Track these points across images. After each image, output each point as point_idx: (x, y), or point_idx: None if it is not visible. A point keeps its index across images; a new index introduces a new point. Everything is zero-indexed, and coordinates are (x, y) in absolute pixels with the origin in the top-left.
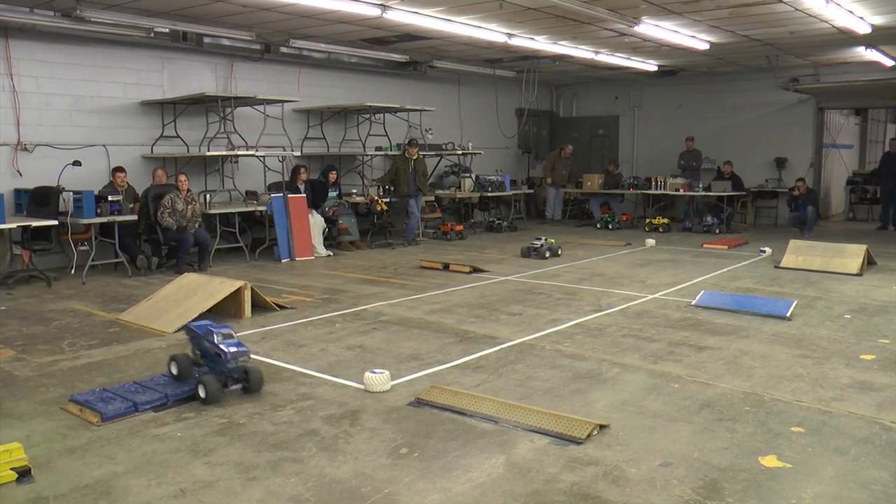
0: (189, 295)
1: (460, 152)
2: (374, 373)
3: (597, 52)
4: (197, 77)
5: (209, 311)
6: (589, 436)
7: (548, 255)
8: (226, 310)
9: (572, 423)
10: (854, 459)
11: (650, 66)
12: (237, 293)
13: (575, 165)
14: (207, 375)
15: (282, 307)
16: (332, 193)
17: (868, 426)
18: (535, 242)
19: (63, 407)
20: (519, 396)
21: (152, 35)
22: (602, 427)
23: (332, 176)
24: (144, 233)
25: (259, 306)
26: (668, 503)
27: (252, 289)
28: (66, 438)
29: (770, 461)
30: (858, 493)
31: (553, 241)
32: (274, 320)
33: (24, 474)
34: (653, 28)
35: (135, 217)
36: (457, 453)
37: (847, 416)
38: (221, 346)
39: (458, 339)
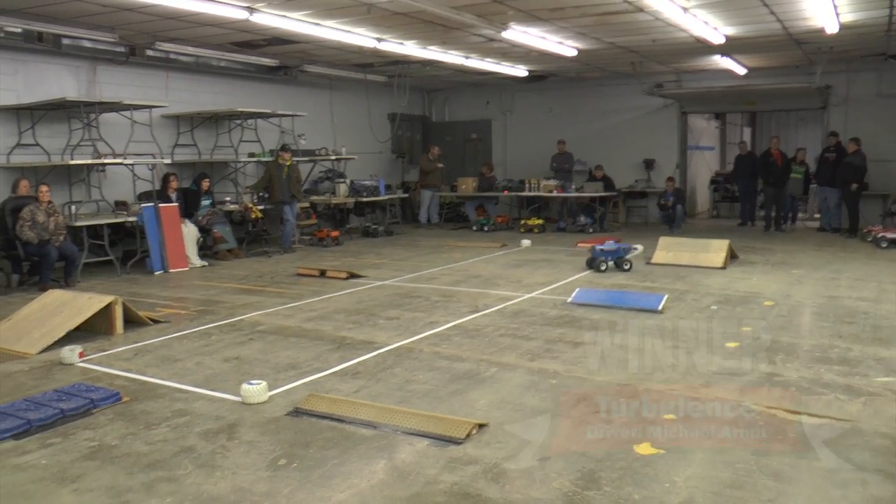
0: (54, 313)
1: (334, 157)
2: (251, 384)
3: (467, 57)
4: (56, 81)
5: (78, 328)
6: (468, 435)
7: None
8: (96, 327)
9: (451, 424)
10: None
11: (520, 71)
12: (107, 309)
13: (445, 166)
14: None
15: (155, 321)
16: (206, 202)
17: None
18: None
19: None
20: (398, 400)
21: (2, 34)
22: (481, 426)
23: (205, 184)
24: (2, 248)
25: (132, 321)
26: (547, 496)
27: (123, 304)
28: None
29: (645, 448)
30: (724, 473)
31: None
32: (147, 335)
33: None
34: (521, 34)
35: None
36: (336, 461)
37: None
38: None
39: (336, 346)
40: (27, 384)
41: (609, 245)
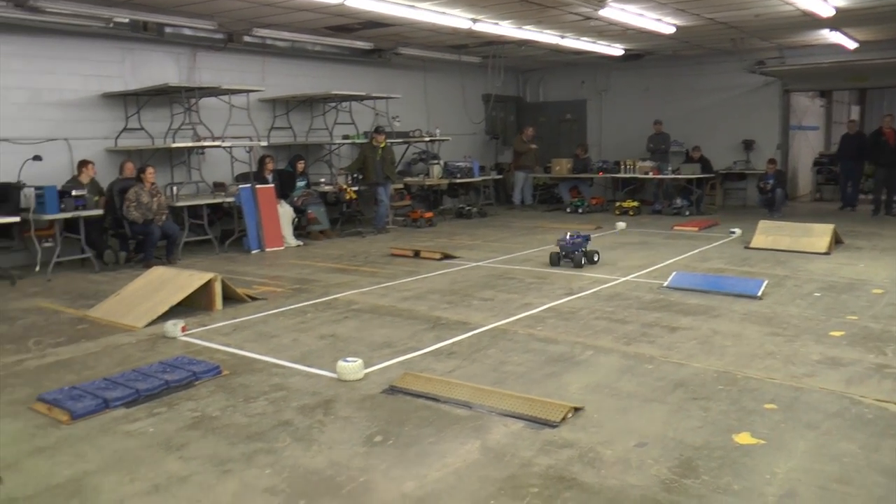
0: (158, 289)
1: (428, 139)
2: (347, 361)
3: (562, 37)
4: (159, 67)
5: (179, 304)
6: (563, 419)
7: None
8: (196, 302)
9: (547, 407)
10: (825, 434)
11: (616, 50)
12: (207, 285)
13: (539, 147)
14: None
15: (253, 298)
16: (301, 183)
17: (838, 401)
18: None
19: (31, 406)
20: (493, 381)
21: (111, 25)
22: (576, 409)
23: (300, 165)
24: (111, 227)
25: (230, 298)
26: (644, 483)
27: (222, 281)
28: (34, 438)
29: (744, 438)
30: (830, 466)
31: None
32: (245, 312)
33: None
34: (618, 12)
35: (100, 212)
36: (431, 439)
37: (818, 392)
38: None
39: (431, 326)
40: (135, 356)
41: (577, 237)
